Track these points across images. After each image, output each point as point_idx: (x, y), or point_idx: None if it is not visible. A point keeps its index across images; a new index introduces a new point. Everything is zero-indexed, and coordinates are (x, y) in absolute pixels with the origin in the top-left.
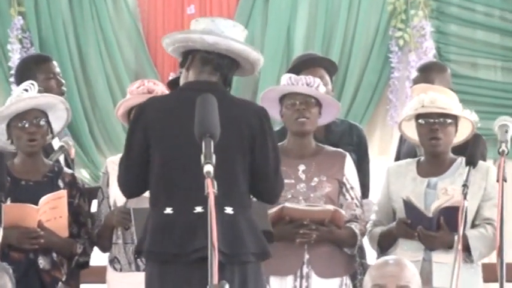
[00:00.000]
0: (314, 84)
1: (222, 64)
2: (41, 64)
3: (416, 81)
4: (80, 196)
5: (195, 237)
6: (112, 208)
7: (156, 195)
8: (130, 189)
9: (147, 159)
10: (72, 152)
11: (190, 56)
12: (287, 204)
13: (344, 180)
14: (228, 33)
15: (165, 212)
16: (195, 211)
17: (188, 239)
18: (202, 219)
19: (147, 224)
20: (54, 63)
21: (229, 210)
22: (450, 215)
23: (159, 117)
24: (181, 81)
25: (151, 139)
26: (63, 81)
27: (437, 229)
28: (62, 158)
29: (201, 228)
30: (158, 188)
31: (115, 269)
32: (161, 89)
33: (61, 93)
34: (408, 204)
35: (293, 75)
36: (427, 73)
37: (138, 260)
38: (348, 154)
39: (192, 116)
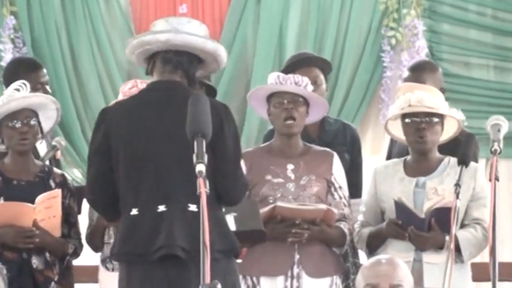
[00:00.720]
0: (302, 83)
1: (182, 61)
2: (30, 72)
3: (407, 81)
4: (70, 196)
5: (158, 236)
6: None
7: (123, 198)
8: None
9: (109, 166)
10: (59, 153)
11: (151, 60)
12: (279, 203)
13: (332, 179)
14: (183, 29)
15: (132, 213)
16: (158, 210)
17: (151, 239)
18: (165, 218)
19: (119, 226)
20: (44, 71)
21: (193, 207)
22: (442, 216)
23: (121, 121)
24: None
25: (113, 143)
26: (50, 91)
27: (428, 230)
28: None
29: (164, 227)
30: (125, 190)
31: (107, 268)
32: None
33: None
34: (400, 205)
35: (281, 74)
36: (419, 73)
37: None
38: (335, 154)
39: (154, 116)
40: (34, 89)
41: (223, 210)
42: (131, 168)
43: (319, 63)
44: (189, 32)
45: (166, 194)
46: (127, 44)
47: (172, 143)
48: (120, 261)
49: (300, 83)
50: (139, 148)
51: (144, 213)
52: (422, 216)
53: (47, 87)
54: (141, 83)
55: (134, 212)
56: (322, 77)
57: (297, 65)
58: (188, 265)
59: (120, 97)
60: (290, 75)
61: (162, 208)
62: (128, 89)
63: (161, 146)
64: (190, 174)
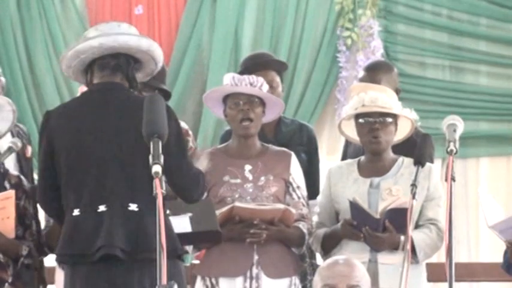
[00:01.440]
0: (257, 84)
1: (119, 63)
2: None
3: (362, 81)
4: (26, 198)
5: (98, 237)
6: None
7: (66, 199)
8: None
9: (53, 169)
10: (29, 151)
11: (89, 70)
12: (237, 204)
13: (290, 179)
14: (113, 33)
15: (74, 214)
16: (98, 210)
17: (92, 239)
18: (105, 218)
19: (62, 228)
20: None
21: (133, 207)
22: (396, 216)
23: (63, 122)
24: None
25: (55, 145)
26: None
27: (383, 230)
28: (13, 159)
29: (104, 227)
30: (67, 191)
31: (63, 269)
32: None
33: None
34: (354, 206)
35: (236, 75)
36: (374, 72)
37: None
38: (293, 154)
39: (95, 117)
40: None
41: (178, 211)
42: (73, 169)
43: (274, 65)
44: (120, 32)
45: (107, 194)
46: (61, 60)
47: (113, 143)
48: (64, 263)
49: (255, 84)
50: (81, 149)
51: (86, 214)
52: (377, 216)
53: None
54: None
55: (76, 212)
56: (278, 79)
57: (252, 69)
58: (131, 266)
59: None
60: (245, 76)
61: (102, 208)
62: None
63: (102, 147)
64: (131, 174)
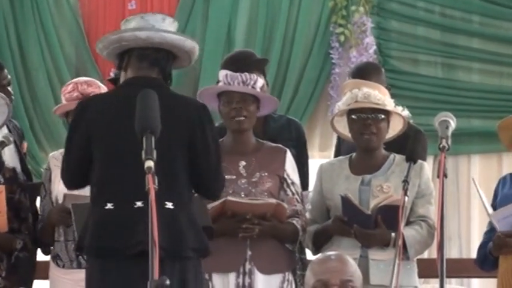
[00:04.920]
0: (250, 82)
1: (159, 58)
2: None
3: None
4: (21, 191)
5: (135, 232)
6: (55, 204)
7: (97, 192)
8: (72, 182)
9: (89, 157)
10: (25, 146)
11: (126, 56)
12: (229, 198)
13: (285, 175)
14: (159, 27)
15: (106, 207)
16: (135, 206)
17: (128, 234)
18: (143, 213)
19: (88, 220)
20: (5, 72)
21: (169, 205)
22: (388, 214)
23: (99, 115)
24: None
25: (92, 137)
26: (12, 92)
27: (374, 227)
28: (14, 154)
29: (141, 222)
30: (99, 184)
31: (58, 265)
32: (96, 90)
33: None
34: (346, 201)
35: (229, 73)
36: (362, 78)
37: (80, 257)
38: (288, 150)
39: (131, 112)
40: None
41: None
42: (107, 163)
43: (255, 65)
44: (166, 29)
45: (144, 191)
46: (100, 40)
47: None
48: (92, 256)
49: (248, 82)
50: (116, 144)
51: (120, 208)
52: (369, 212)
53: (9, 88)
54: (82, 84)
55: (109, 206)
56: (261, 78)
57: (236, 69)
58: (164, 263)
59: (63, 100)
60: (238, 74)
61: (139, 204)
62: (67, 93)
63: (138, 142)
64: (169, 172)
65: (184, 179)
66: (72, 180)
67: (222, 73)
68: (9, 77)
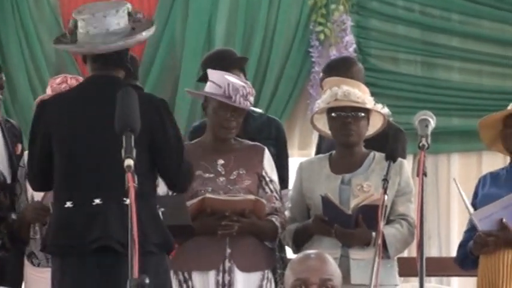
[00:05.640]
0: (249, 97)
1: (111, 58)
2: None
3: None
4: (1, 190)
5: (93, 229)
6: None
7: (58, 190)
8: (36, 183)
9: (51, 157)
10: (19, 148)
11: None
12: (208, 195)
13: (263, 173)
14: (109, 24)
15: (66, 205)
16: (93, 203)
17: (86, 231)
18: (101, 211)
19: (50, 219)
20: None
21: (128, 201)
22: (369, 213)
23: (58, 115)
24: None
25: (52, 135)
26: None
27: (355, 226)
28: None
29: (99, 219)
30: (60, 182)
31: (33, 263)
32: None
33: None
34: (326, 201)
35: (232, 83)
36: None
37: None
38: (266, 148)
39: (94, 110)
40: None
41: None
42: (68, 162)
43: (236, 64)
44: (121, 30)
45: (102, 188)
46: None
47: (110, 138)
48: (54, 254)
49: (248, 97)
50: (78, 142)
51: (79, 206)
52: (349, 212)
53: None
54: (71, 79)
55: (68, 204)
56: (242, 76)
57: (220, 68)
58: (122, 258)
59: (49, 91)
60: (240, 88)
61: (97, 201)
62: (56, 84)
63: (99, 141)
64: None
65: (144, 176)
66: (36, 181)
67: (223, 80)
68: (4, 78)
